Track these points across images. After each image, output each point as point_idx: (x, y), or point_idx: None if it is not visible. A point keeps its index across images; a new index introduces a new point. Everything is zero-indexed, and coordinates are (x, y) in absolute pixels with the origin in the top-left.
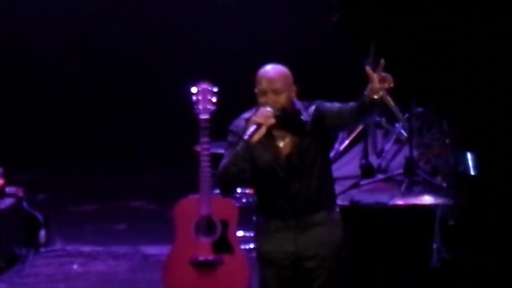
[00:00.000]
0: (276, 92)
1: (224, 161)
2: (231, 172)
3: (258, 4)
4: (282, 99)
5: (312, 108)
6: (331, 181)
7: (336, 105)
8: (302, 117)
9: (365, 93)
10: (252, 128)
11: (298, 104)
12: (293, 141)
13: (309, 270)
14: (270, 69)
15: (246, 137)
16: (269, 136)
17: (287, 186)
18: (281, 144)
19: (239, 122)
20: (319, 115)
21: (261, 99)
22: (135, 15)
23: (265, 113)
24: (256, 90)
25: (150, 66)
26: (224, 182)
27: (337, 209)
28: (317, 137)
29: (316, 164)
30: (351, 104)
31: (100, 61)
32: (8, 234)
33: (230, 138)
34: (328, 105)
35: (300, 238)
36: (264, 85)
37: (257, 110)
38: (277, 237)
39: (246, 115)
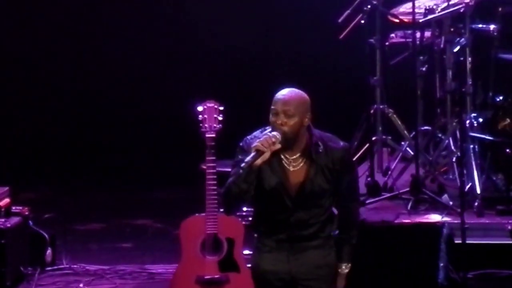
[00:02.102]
0: (287, 114)
1: (228, 180)
2: (232, 192)
3: (267, 22)
4: (292, 122)
5: (341, 147)
6: (331, 209)
7: (351, 184)
8: (319, 148)
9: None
10: (252, 154)
11: (316, 134)
12: (305, 169)
13: None
14: (287, 92)
15: (243, 164)
16: (279, 160)
17: (290, 214)
18: (291, 168)
19: (251, 140)
20: (340, 170)
21: (272, 119)
22: (139, 32)
23: (269, 140)
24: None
25: (156, 84)
26: (226, 201)
27: (332, 234)
28: (329, 174)
29: (323, 195)
30: (346, 209)
31: (106, 78)
32: (14, 253)
33: (239, 155)
34: (350, 177)
35: (293, 259)
36: (277, 106)
37: (263, 132)
38: (270, 257)
39: (259, 133)
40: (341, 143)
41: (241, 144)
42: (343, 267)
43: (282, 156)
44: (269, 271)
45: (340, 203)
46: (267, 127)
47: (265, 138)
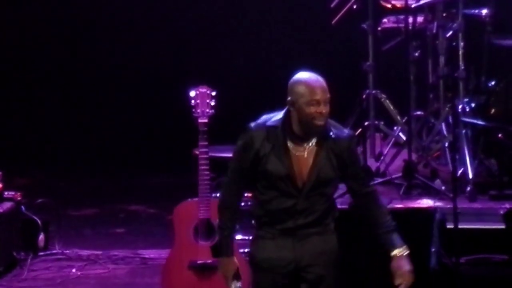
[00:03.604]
0: (326, 102)
1: (222, 212)
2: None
3: (260, 7)
4: (328, 108)
5: (347, 135)
6: (333, 197)
7: (360, 174)
8: (331, 133)
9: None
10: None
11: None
12: (312, 156)
13: (306, 279)
14: (315, 77)
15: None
16: (286, 148)
17: (295, 202)
18: (297, 154)
19: (259, 131)
20: (346, 159)
21: (311, 109)
22: (132, 18)
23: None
24: (299, 99)
25: (149, 70)
26: None
27: (333, 219)
28: (336, 161)
29: (329, 183)
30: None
31: (99, 64)
32: (6, 238)
33: (244, 148)
34: (357, 167)
35: (297, 246)
36: (318, 95)
37: (267, 120)
38: (273, 244)
39: (267, 120)
40: (346, 131)
41: (247, 138)
42: (402, 250)
43: (289, 143)
44: (273, 258)
45: (360, 199)
46: (274, 113)
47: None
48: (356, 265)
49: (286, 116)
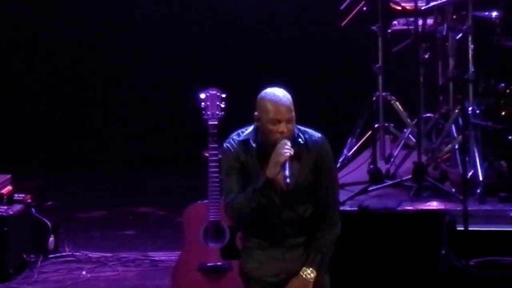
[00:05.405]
0: (290, 120)
1: (239, 200)
2: (251, 210)
3: (267, 10)
4: (292, 125)
5: (316, 138)
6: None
7: (332, 185)
8: (301, 141)
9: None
10: (287, 172)
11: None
12: (291, 166)
13: None
14: (282, 97)
15: (287, 180)
16: (267, 160)
17: (279, 212)
18: None
19: (236, 147)
20: (319, 163)
21: (273, 127)
22: (140, 18)
23: (286, 146)
24: (262, 116)
25: (158, 72)
26: (242, 221)
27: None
28: (313, 166)
29: (310, 190)
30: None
31: (109, 67)
32: (16, 241)
33: (230, 162)
34: (329, 173)
35: (286, 255)
36: (281, 115)
37: (240, 136)
38: (262, 254)
39: (238, 134)
40: (318, 135)
41: (228, 152)
42: (309, 272)
43: (265, 155)
44: (263, 268)
45: (319, 209)
46: (243, 129)
47: (283, 147)
48: (362, 265)
49: (256, 131)
